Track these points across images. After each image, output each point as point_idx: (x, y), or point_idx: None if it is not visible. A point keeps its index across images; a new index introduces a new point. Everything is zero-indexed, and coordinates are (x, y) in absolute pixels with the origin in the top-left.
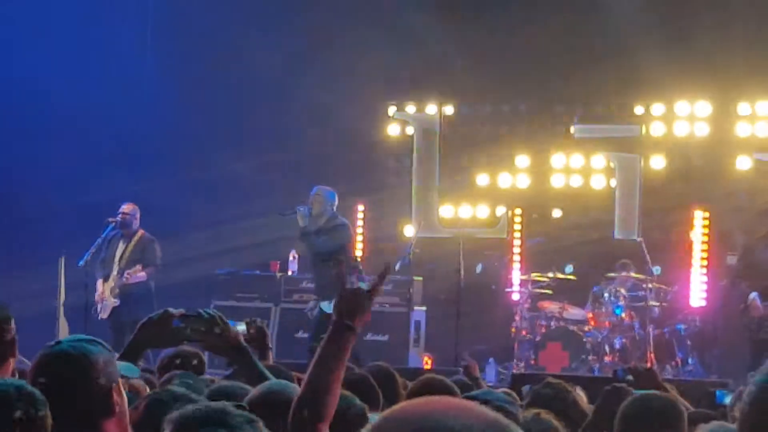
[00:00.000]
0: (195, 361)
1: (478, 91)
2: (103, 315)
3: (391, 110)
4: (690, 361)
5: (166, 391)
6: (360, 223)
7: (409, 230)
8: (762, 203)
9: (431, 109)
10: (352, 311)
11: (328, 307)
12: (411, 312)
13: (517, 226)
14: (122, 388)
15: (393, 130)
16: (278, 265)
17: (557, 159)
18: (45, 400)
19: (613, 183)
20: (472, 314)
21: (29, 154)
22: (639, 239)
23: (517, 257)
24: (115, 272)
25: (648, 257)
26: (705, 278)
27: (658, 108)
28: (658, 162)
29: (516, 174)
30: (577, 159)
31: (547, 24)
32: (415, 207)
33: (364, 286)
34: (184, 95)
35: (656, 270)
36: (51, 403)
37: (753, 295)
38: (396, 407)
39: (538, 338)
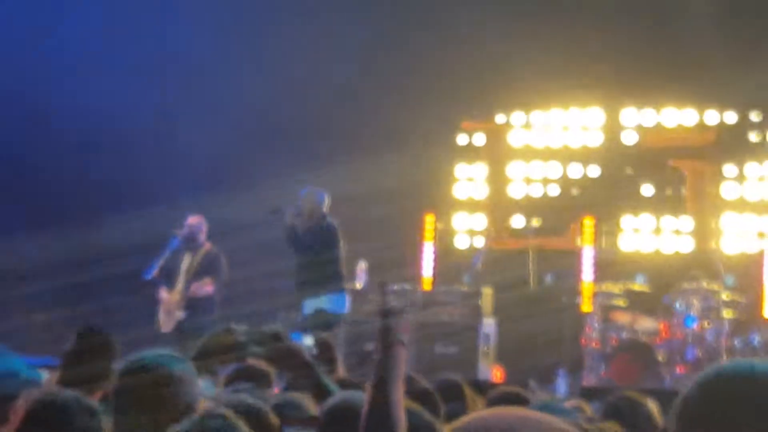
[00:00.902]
0: (260, 375)
1: (549, 98)
2: (167, 328)
3: (460, 119)
4: None
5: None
6: (429, 234)
7: (478, 241)
8: None
9: (500, 118)
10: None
11: (311, 304)
12: (480, 324)
13: (588, 237)
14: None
15: (462, 140)
16: None
17: (628, 167)
18: (102, 411)
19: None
20: (542, 325)
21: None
22: (713, 248)
23: (587, 268)
24: (181, 285)
25: (721, 267)
26: None
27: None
28: (730, 170)
29: (587, 182)
30: (649, 167)
31: (614, 30)
32: (485, 218)
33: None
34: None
35: (729, 280)
36: (134, 417)
37: None
38: (473, 416)
39: (608, 350)
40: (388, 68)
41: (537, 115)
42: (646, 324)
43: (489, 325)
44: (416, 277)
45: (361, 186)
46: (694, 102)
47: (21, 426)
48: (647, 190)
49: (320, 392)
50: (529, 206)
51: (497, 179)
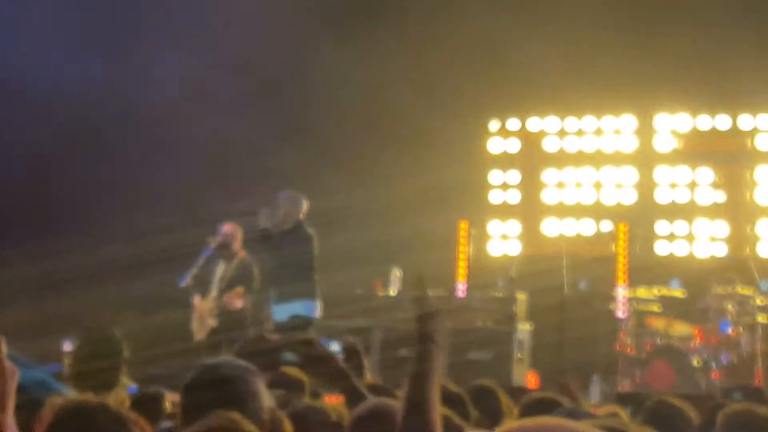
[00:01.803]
0: (293, 382)
1: (582, 103)
2: (200, 336)
3: (493, 125)
4: None
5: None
6: (463, 240)
7: (512, 247)
8: None
9: (533, 122)
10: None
11: (279, 307)
12: (514, 330)
13: (622, 242)
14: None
15: (495, 145)
16: (380, 284)
17: (662, 172)
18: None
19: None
20: (576, 331)
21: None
22: (747, 253)
23: (622, 273)
24: (214, 293)
25: (756, 272)
26: None
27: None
28: (764, 175)
29: (621, 188)
30: (683, 172)
31: (650, 33)
32: (518, 223)
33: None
34: (286, 118)
35: (764, 285)
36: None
37: None
38: (513, 425)
39: (643, 355)
40: (420, 74)
41: (571, 121)
42: (681, 329)
43: (523, 331)
44: (450, 284)
45: (394, 193)
46: (729, 107)
47: None
48: (682, 195)
49: (353, 398)
50: (563, 212)
51: (531, 185)
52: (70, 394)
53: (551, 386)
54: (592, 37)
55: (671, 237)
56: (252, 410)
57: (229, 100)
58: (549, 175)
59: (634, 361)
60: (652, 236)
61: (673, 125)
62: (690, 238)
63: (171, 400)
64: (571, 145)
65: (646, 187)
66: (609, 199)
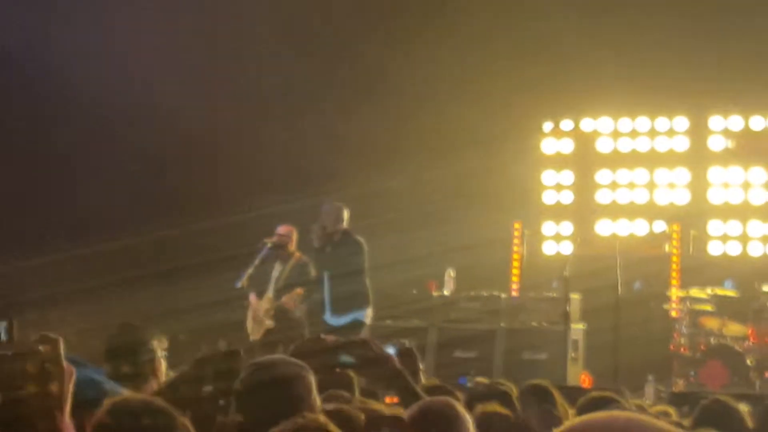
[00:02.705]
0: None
1: (635, 104)
2: (256, 336)
3: (547, 126)
4: None
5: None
6: (517, 241)
7: (565, 247)
8: None
9: (587, 123)
10: None
11: (336, 320)
12: (569, 330)
13: (676, 242)
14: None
15: (548, 146)
16: (435, 284)
17: (715, 173)
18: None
19: None
20: (630, 331)
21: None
22: None
23: (675, 273)
24: (270, 293)
25: None
26: None
27: None
28: None
29: (674, 189)
30: (735, 172)
31: (702, 35)
32: (572, 224)
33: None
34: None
35: None
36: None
37: None
38: (580, 419)
39: (697, 355)
40: (474, 76)
41: (624, 122)
42: (735, 329)
43: (577, 331)
44: (505, 284)
45: (449, 194)
46: None
47: None
48: (735, 195)
49: (408, 398)
50: (616, 212)
51: (584, 185)
52: (123, 393)
53: (606, 386)
54: (645, 38)
55: (724, 237)
56: (304, 408)
57: (289, 105)
58: (602, 175)
59: (688, 360)
60: (705, 236)
61: (725, 126)
62: (743, 238)
63: None
64: (625, 146)
65: (698, 187)
66: (662, 200)
